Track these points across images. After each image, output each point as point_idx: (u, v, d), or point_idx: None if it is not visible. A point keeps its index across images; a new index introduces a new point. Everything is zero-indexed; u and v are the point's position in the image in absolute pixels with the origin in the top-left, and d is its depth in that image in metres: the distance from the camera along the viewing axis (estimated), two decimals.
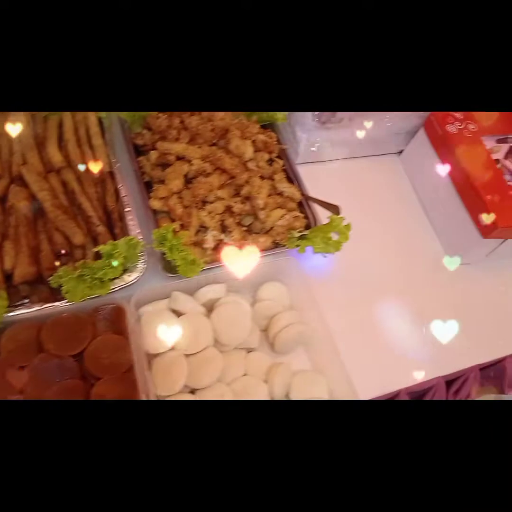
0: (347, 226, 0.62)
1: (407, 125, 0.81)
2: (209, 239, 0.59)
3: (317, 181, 0.77)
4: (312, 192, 0.72)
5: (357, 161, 0.85)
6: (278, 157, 0.71)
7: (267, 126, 0.74)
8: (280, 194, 0.65)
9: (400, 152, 0.87)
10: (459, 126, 0.75)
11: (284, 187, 0.65)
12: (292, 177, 0.69)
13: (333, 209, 0.62)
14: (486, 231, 0.68)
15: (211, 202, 0.62)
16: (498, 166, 0.73)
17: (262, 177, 0.67)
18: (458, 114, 0.76)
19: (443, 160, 0.75)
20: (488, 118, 0.78)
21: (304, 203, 0.68)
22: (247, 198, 0.63)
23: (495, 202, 0.68)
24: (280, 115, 0.72)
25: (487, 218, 0.67)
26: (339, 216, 0.61)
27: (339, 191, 0.79)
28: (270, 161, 0.69)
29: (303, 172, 0.76)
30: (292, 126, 0.77)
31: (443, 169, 0.75)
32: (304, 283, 0.61)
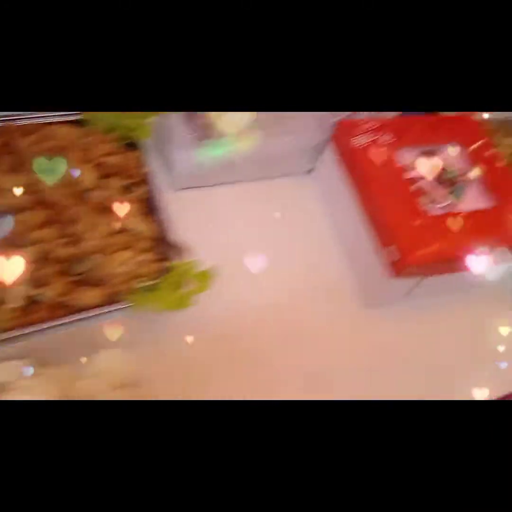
0: (204, 274, 0.47)
1: (313, 139, 0.67)
2: (16, 297, 0.45)
3: (204, 210, 0.65)
4: (196, 225, 0.59)
5: (258, 184, 0.70)
6: (141, 183, 0.57)
7: (133, 144, 0.60)
8: (128, 231, 0.52)
9: (311, 171, 0.73)
10: (371, 137, 0.62)
11: (131, 222, 0.51)
12: (153, 209, 0.56)
13: (177, 251, 0.48)
14: (395, 269, 0.55)
15: (26, 246, 0.48)
16: (414, 186, 0.60)
17: (109, 210, 0.53)
18: (370, 123, 0.63)
19: (351, 181, 0.62)
20: (409, 126, 0.65)
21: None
22: (79, 239, 0.49)
23: (405, 233, 0.54)
24: (143, 131, 0.59)
25: (394, 254, 0.54)
26: (190, 260, 0.47)
27: (232, 221, 0.65)
28: (130, 189, 0.56)
29: (187, 200, 0.63)
30: (164, 144, 0.63)
31: (350, 192, 0.62)
32: (152, 348, 0.47)
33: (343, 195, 0.63)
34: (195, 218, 0.63)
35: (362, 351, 0.60)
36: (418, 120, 0.67)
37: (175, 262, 0.47)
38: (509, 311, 0.67)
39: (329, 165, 0.66)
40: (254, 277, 0.61)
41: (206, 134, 0.59)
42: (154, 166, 0.64)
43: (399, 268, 0.53)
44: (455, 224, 0.56)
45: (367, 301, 0.62)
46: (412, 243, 0.52)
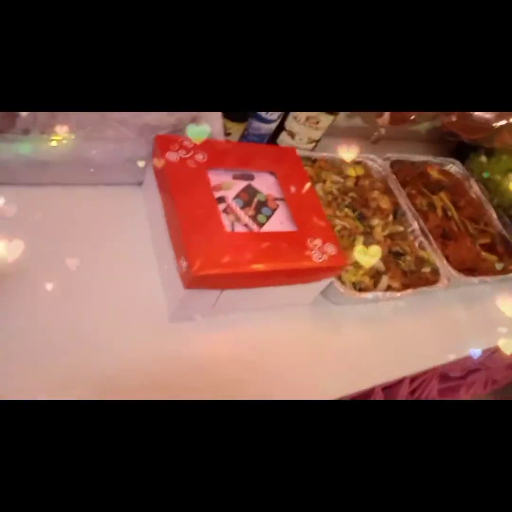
0: None
1: (136, 151, 0.68)
2: None
3: (10, 210, 0.61)
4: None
5: (82, 189, 0.68)
6: None
7: None
8: None
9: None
10: (184, 154, 0.63)
11: None
12: None
13: None
14: (186, 280, 0.55)
15: None
16: (222, 205, 0.63)
17: None
18: (188, 141, 0.65)
19: (163, 195, 0.63)
20: (227, 149, 0.69)
21: None
22: None
23: (199, 245, 0.56)
24: None
25: (185, 264, 0.55)
26: None
27: (42, 224, 0.62)
28: None
29: None
30: None
31: (160, 206, 0.63)
32: None
33: (158, 209, 0.63)
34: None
35: (166, 365, 0.59)
36: (237, 145, 0.71)
37: None
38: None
39: (150, 178, 0.67)
40: (59, 285, 0.59)
41: (5, 128, 0.56)
42: None
43: (188, 279, 0.54)
44: (250, 242, 0.59)
45: (174, 315, 0.62)
46: (200, 256, 0.54)
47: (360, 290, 0.73)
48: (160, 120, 0.65)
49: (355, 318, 0.77)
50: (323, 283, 0.69)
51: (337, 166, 0.89)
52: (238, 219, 0.62)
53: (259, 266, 0.58)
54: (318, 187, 0.83)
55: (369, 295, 0.72)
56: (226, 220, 0.60)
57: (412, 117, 0.83)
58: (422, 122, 0.90)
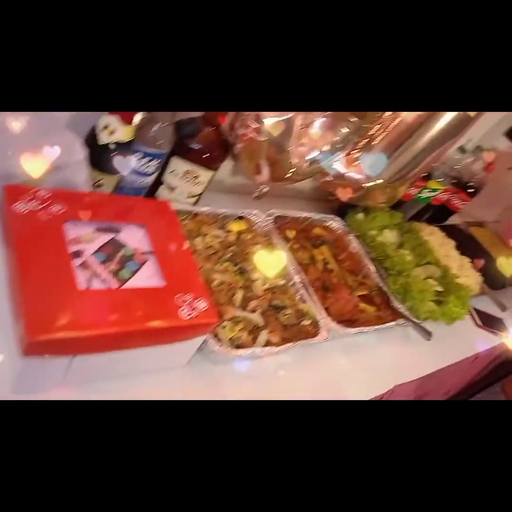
0: None
1: None
2: None
3: None
4: None
5: None
6: None
7: None
8: None
9: None
10: (37, 206, 0.58)
11: None
12: None
13: None
14: (22, 346, 0.48)
15: None
16: (77, 260, 0.58)
17: None
18: (42, 192, 0.60)
19: (6, 250, 0.56)
20: (91, 201, 0.65)
21: None
22: None
23: (40, 306, 0.49)
24: None
25: (22, 328, 0.48)
26: None
27: None
28: None
29: None
30: None
31: (3, 263, 0.56)
32: None
33: (2, 266, 0.56)
34: None
35: None
36: (104, 196, 0.67)
37: None
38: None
39: None
40: None
41: None
42: None
43: (24, 345, 0.47)
44: (106, 301, 0.54)
45: (17, 387, 0.53)
46: (38, 318, 0.47)
47: (238, 346, 0.70)
48: (11, 170, 0.60)
49: (237, 375, 0.73)
50: (197, 341, 0.65)
51: (219, 221, 0.89)
52: (96, 275, 0.57)
53: (114, 327, 0.52)
54: (198, 240, 0.81)
55: (246, 352, 0.69)
56: (81, 277, 0.55)
57: (288, 175, 0.86)
58: (300, 180, 0.94)
